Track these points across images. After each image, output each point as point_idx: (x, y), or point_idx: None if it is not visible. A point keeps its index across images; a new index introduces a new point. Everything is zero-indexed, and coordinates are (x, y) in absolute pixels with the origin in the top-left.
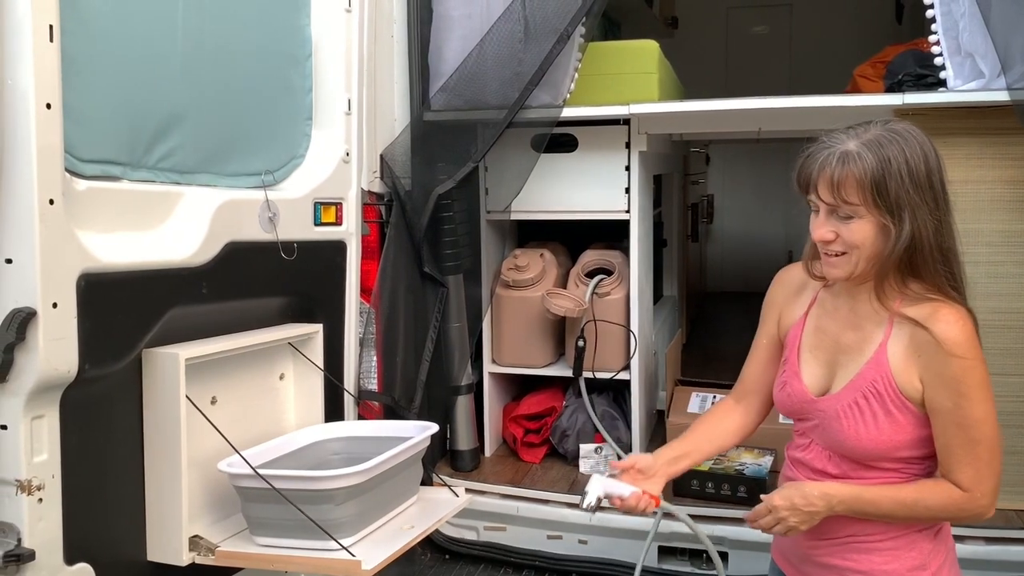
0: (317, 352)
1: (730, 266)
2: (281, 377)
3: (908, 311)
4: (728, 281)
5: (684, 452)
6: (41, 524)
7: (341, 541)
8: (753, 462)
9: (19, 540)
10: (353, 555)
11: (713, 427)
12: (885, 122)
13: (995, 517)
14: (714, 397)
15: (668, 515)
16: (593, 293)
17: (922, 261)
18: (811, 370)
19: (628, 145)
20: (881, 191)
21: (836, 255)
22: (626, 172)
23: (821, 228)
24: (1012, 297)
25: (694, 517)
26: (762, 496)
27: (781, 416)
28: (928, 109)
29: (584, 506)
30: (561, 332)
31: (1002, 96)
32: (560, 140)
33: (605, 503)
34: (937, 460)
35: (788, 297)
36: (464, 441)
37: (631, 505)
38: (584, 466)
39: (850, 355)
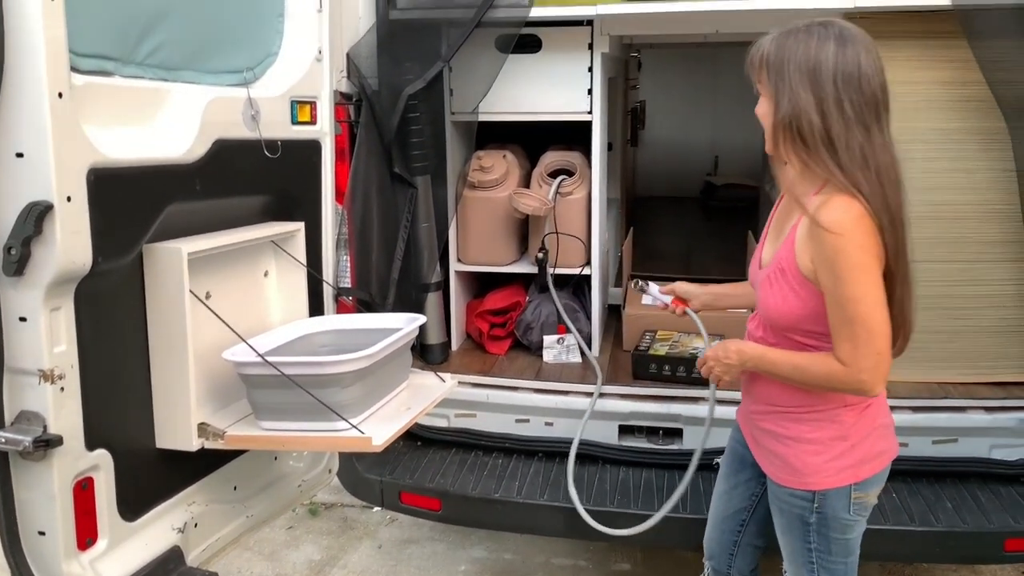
0: (299, 250)
1: (659, 172)
2: (265, 274)
3: (812, 200)
4: (656, 186)
5: (729, 292)
6: (64, 412)
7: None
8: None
9: (44, 427)
10: (363, 432)
11: None
12: (832, 22)
13: (920, 388)
14: None
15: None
16: (556, 193)
17: (811, 145)
18: (768, 245)
19: (591, 47)
20: (769, 68)
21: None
22: (588, 73)
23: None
24: (943, 191)
25: (653, 398)
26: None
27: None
28: (875, 13)
29: (645, 301)
30: (524, 230)
31: (945, 0)
32: (524, 41)
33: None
34: None
35: None
36: (434, 335)
37: (670, 308)
38: (548, 356)
39: (780, 235)
